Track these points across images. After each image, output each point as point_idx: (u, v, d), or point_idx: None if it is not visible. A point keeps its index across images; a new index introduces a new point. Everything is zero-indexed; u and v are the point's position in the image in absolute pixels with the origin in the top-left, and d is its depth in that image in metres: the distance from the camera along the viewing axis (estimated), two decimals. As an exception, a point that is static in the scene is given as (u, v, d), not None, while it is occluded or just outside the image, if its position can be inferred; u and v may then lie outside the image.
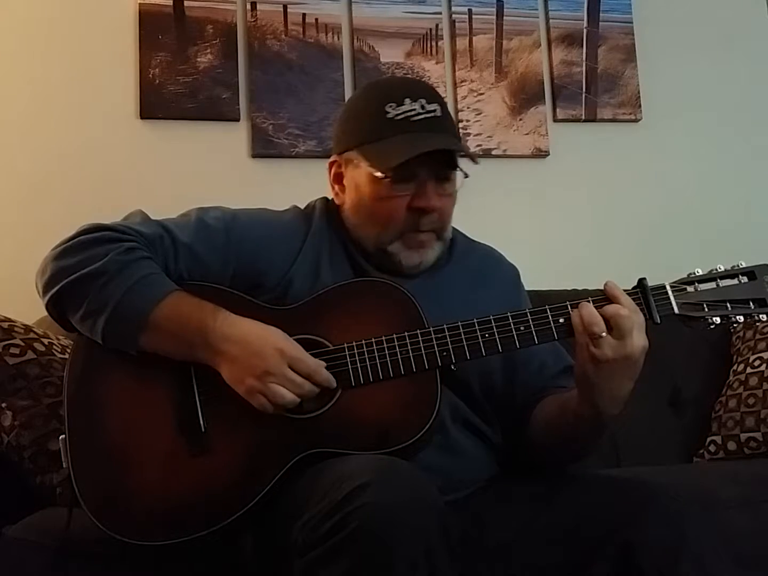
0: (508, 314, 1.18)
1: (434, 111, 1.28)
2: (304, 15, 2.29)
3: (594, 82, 2.45)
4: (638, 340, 1.11)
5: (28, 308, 1.51)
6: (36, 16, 2.13)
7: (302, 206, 1.43)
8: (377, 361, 1.18)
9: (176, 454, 1.16)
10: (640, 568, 1.05)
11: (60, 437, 1.19)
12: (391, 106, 1.28)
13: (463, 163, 1.31)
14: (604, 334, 1.11)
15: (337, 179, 1.37)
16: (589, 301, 1.15)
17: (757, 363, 1.95)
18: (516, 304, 1.33)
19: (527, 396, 1.33)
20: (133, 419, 1.19)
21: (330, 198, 1.42)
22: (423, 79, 2.31)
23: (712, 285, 1.18)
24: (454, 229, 1.46)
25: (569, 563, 1.10)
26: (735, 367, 2.00)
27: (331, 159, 1.38)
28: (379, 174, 1.26)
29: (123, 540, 1.12)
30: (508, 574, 1.14)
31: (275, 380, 1.13)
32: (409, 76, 2.30)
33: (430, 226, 1.30)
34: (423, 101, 1.28)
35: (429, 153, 1.23)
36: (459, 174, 1.32)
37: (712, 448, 1.93)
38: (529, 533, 1.15)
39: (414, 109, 1.27)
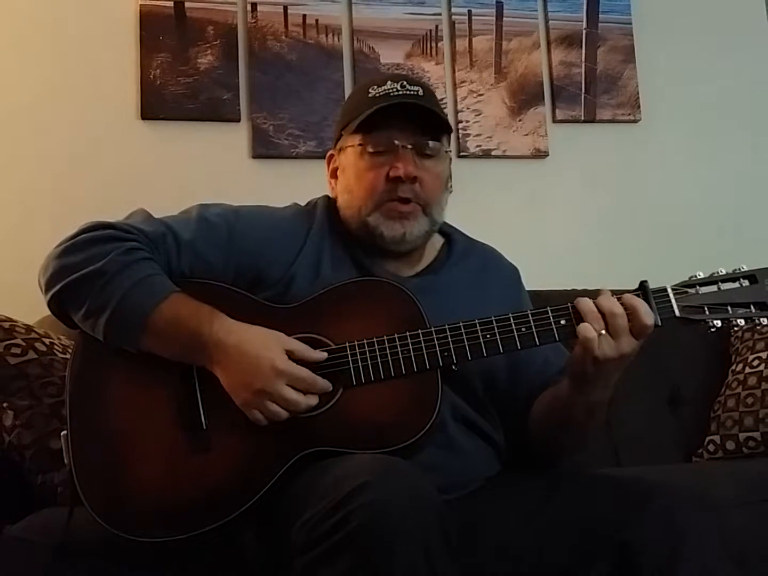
0: (510, 315, 1.19)
1: (416, 91, 1.32)
2: (304, 16, 2.29)
3: (593, 83, 2.45)
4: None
5: (30, 308, 1.51)
6: (37, 18, 2.13)
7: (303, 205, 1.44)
8: (378, 360, 1.18)
9: (178, 451, 1.16)
10: (640, 568, 1.06)
11: (62, 433, 1.20)
12: (373, 88, 1.33)
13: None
14: (603, 331, 1.12)
15: (334, 173, 1.40)
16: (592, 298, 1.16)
17: (755, 363, 1.95)
18: (517, 304, 1.34)
19: (530, 393, 1.33)
20: (134, 416, 1.19)
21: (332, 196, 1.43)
22: (423, 80, 2.31)
23: (713, 288, 1.18)
24: (453, 228, 1.47)
25: (569, 563, 1.11)
26: (734, 367, 2.00)
27: (328, 155, 1.42)
28: (355, 143, 1.31)
29: (124, 537, 1.12)
30: (508, 573, 1.15)
31: (270, 398, 1.14)
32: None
33: (410, 194, 1.31)
34: (404, 82, 1.32)
35: (408, 125, 1.28)
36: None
37: (711, 447, 1.93)
38: (528, 533, 1.15)
39: (394, 87, 1.31)
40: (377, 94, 1.31)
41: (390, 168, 1.29)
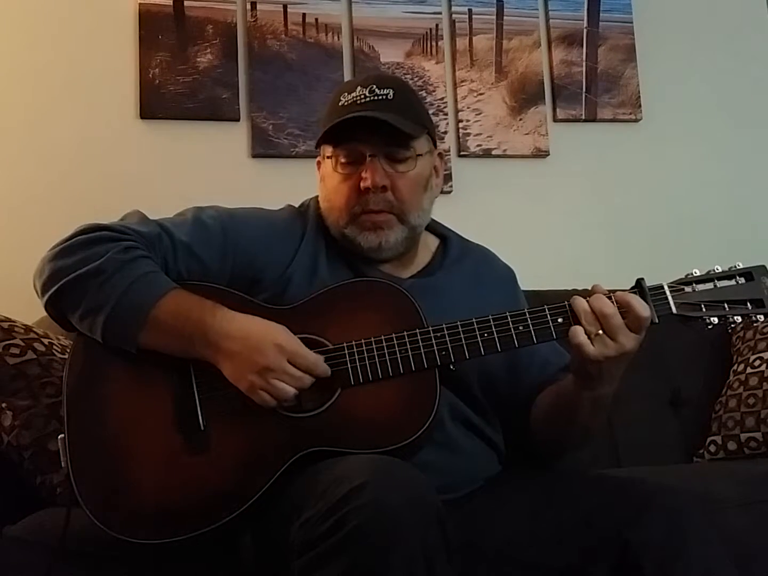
0: (507, 314, 1.19)
1: (385, 94, 1.30)
2: (304, 15, 2.29)
3: (594, 82, 2.44)
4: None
5: (29, 308, 1.51)
6: (36, 17, 2.13)
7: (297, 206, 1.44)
8: (376, 360, 1.18)
9: (175, 452, 1.16)
10: (641, 568, 1.05)
11: (59, 436, 1.19)
12: (344, 95, 1.32)
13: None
14: (600, 331, 1.12)
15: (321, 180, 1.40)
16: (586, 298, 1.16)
17: (757, 363, 1.95)
18: (513, 304, 1.33)
19: (530, 393, 1.34)
20: (132, 418, 1.19)
21: None
22: (423, 79, 2.32)
23: (709, 285, 1.19)
24: (448, 230, 1.47)
25: (569, 563, 1.11)
26: (735, 367, 2.00)
27: (316, 161, 1.42)
28: (328, 154, 1.32)
29: (122, 539, 1.12)
30: (507, 574, 1.14)
31: (275, 375, 1.14)
32: (408, 76, 2.31)
33: (382, 205, 1.30)
34: (374, 86, 1.31)
35: (375, 132, 1.27)
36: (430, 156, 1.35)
37: (712, 448, 1.92)
38: (528, 533, 1.15)
39: (363, 94, 1.30)
40: (345, 103, 1.30)
41: (360, 179, 1.29)
